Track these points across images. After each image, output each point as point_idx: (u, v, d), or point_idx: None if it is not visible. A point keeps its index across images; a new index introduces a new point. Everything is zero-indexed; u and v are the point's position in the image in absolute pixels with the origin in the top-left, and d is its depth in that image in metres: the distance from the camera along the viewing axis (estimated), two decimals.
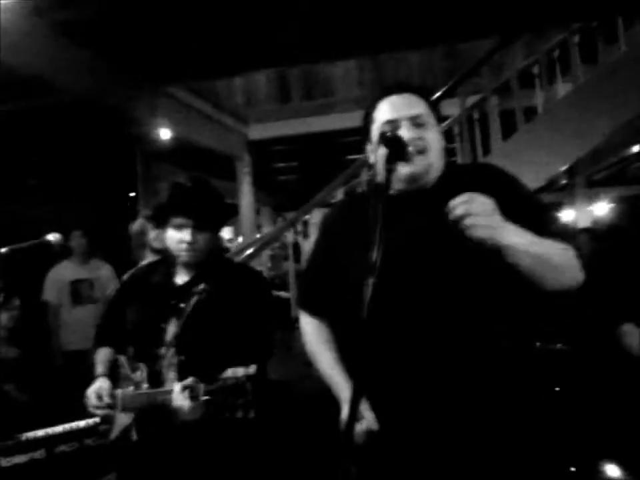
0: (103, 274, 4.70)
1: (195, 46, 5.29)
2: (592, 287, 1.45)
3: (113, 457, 1.86)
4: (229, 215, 2.09)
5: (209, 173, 10.94)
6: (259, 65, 6.70)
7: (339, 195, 5.27)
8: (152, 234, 2.90)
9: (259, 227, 11.41)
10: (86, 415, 1.92)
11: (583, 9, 4.99)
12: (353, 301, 1.29)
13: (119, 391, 1.88)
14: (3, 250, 1.83)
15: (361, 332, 1.22)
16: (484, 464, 1.41)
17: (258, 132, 8.75)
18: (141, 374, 1.84)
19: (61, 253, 4.49)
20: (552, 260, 1.35)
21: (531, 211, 1.46)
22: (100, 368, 1.98)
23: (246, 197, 8.90)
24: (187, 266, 1.94)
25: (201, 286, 1.91)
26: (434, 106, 1.57)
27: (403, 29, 5.35)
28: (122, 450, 1.82)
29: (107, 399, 1.85)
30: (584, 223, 8.77)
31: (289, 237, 5.41)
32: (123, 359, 1.93)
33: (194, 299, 1.88)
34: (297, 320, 1.78)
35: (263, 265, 5.38)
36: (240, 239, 9.66)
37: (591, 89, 4.97)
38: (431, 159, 1.49)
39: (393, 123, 1.49)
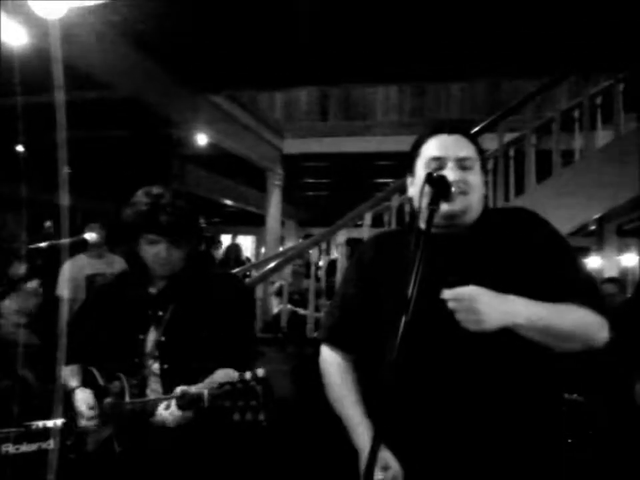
0: (118, 268, 4.69)
1: (242, 57, 5.39)
2: (614, 340, 1.43)
3: (95, 469, 1.78)
4: (202, 227, 2.04)
5: (240, 181, 11.09)
6: (301, 81, 6.78)
7: (367, 217, 5.27)
8: None
9: (282, 239, 11.44)
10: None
11: (633, 57, 4.96)
12: (382, 339, 1.28)
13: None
14: (42, 244, 1.86)
15: (388, 375, 1.22)
16: None
17: (293, 146, 8.82)
18: (120, 384, 1.78)
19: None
20: (562, 330, 1.35)
21: (563, 269, 1.45)
22: (74, 381, 1.87)
23: (274, 208, 8.96)
24: (162, 276, 1.90)
25: (177, 293, 1.87)
26: (482, 151, 1.56)
27: (449, 61, 5.38)
28: (104, 461, 1.75)
29: (96, 410, 1.76)
30: (610, 272, 8.62)
31: (313, 254, 5.41)
32: (94, 371, 1.86)
33: (171, 307, 1.85)
34: (312, 339, 1.77)
35: (284, 279, 5.38)
36: (262, 250, 9.71)
37: (632, 140, 4.93)
38: (471, 200, 1.49)
39: (439, 161, 1.49)
